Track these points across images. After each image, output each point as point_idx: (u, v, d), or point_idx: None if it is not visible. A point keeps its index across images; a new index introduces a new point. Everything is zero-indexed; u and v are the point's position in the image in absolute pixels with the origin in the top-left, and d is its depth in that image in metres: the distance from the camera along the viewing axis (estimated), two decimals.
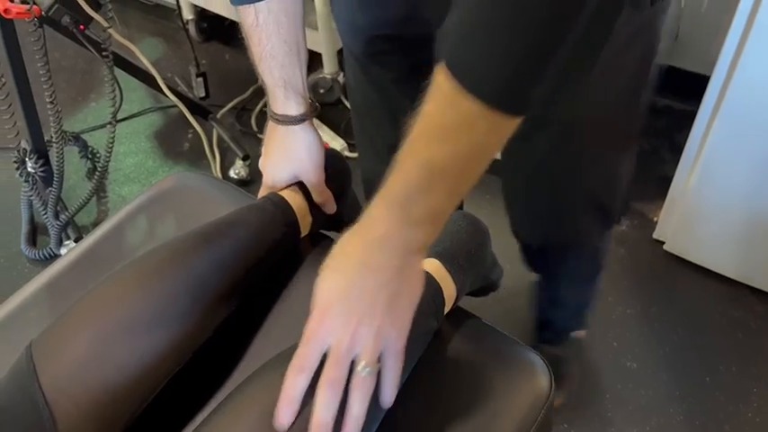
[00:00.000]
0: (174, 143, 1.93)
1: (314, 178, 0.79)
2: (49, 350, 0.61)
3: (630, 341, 1.40)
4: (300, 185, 0.80)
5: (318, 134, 0.79)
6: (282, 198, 0.77)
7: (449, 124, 0.51)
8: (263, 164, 0.81)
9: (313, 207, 0.80)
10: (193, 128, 1.87)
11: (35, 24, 1.40)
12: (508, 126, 0.51)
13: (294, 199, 0.78)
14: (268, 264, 0.76)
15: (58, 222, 1.61)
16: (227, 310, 0.72)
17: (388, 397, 0.57)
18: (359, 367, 0.54)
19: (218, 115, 1.91)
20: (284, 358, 0.63)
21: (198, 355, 0.69)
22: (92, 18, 1.42)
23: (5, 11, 1.32)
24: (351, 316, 0.54)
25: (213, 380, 0.70)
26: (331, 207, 0.83)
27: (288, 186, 0.80)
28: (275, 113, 0.77)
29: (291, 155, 0.78)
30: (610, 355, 1.27)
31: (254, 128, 1.92)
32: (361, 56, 0.90)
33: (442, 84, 0.50)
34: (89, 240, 0.86)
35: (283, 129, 0.77)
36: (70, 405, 0.59)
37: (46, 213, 1.62)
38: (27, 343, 0.63)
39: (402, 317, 0.57)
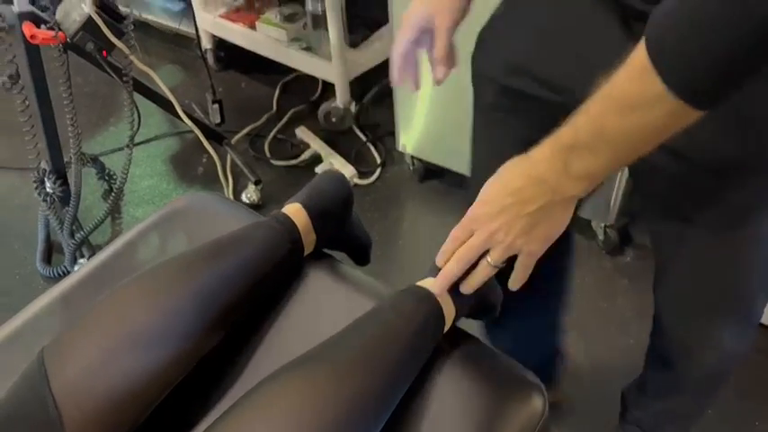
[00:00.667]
0: (188, 167, 1.97)
1: (444, 21, 0.77)
2: (60, 356, 0.64)
3: (634, 372, 1.40)
4: (305, 205, 0.82)
5: None
6: (288, 217, 0.80)
7: (629, 98, 0.53)
8: (409, 9, 0.80)
9: (316, 226, 0.82)
10: (208, 152, 1.92)
11: (60, 50, 1.46)
12: (688, 116, 0.52)
13: (299, 218, 0.81)
14: (273, 279, 0.78)
15: (73, 241, 1.65)
16: (233, 324, 0.74)
17: (513, 286, 0.70)
18: (488, 257, 0.67)
19: (233, 141, 1.96)
20: (286, 371, 0.65)
21: (202, 367, 0.72)
22: (114, 45, 1.48)
23: (32, 36, 1.38)
24: (492, 223, 0.65)
25: (215, 391, 0.72)
26: (451, 60, 0.80)
27: (293, 204, 0.82)
28: None
29: None
30: (614, 384, 1.27)
31: (267, 154, 1.97)
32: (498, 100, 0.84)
33: (637, 57, 0.51)
34: (102, 256, 0.89)
35: None
36: (78, 408, 0.61)
37: (62, 232, 1.67)
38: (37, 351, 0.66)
39: (535, 244, 0.65)
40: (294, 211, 0.81)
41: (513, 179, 0.64)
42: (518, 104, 0.80)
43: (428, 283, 0.74)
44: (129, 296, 0.69)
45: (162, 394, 0.68)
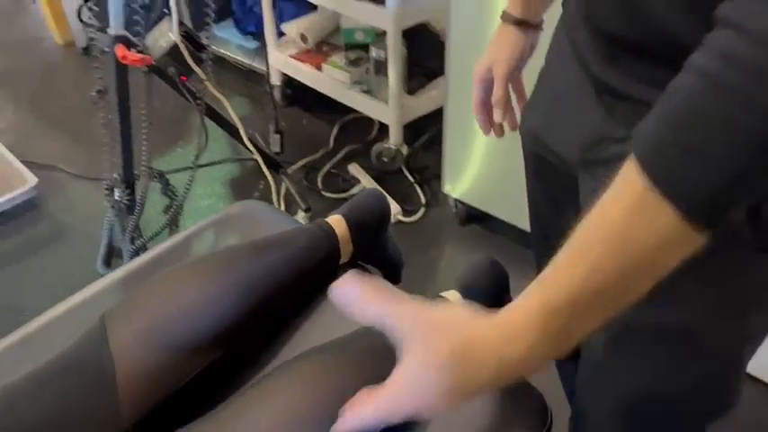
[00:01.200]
0: (245, 191, 2.10)
1: (501, 70, 0.84)
2: (118, 319, 0.74)
3: None
4: (345, 216, 0.91)
5: (526, 43, 0.84)
6: (329, 225, 0.89)
7: (630, 232, 0.43)
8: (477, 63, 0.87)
9: (354, 236, 0.91)
10: (265, 179, 2.04)
11: (144, 72, 1.62)
12: (697, 240, 0.42)
13: (339, 227, 0.89)
14: (310, 279, 0.87)
15: (133, 247, 1.78)
16: (273, 312, 0.83)
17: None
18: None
19: (289, 170, 2.08)
20: (306, 356, 0.73)
21: (235, 348, 0.80)
22: (192, 71, 1.63)
23: (123, 57, 1.54)
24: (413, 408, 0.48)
25: (245, 369, 0.80)
26: (521, 95, 0.87)
27: (336, 216, 0.91)
28: (505, 11, 0.85)
29: (496, 42, 0.85)
30: None
31: (320, 185, 2.08)
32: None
33: (630, 184, 0.42)
34: (162, 247, 1.00)
35: (502, 24, 0.85)
36: (129, 365, 0.70)
37: (124, 238, 1.80)
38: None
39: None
40: (335, 220, 0.90)
41: (473, 369, 0.46)
42: (544, 171, 0.82)
43: (451, 295, 0.81)
44: (181, 275, 0.79)
45: (199, 366, 0.76)
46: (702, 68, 0.40)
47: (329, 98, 2.21)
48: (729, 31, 0.39)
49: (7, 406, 0.67)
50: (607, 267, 0.44)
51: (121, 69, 1.64)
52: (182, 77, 1.64)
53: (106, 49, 1.62)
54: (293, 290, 0.85)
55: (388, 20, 1.84)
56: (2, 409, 0.67)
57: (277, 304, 0.84)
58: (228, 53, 2.57)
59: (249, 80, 2.56)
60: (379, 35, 2.08)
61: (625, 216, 0.43)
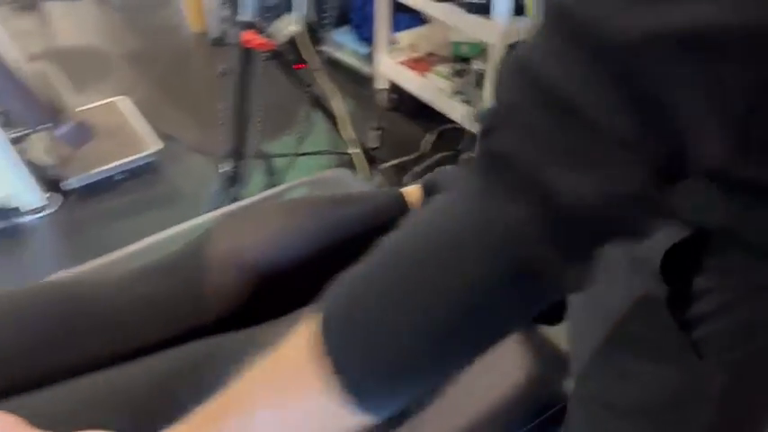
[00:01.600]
0: None
1: None
2: (215, 237, 0.86)
3: None
4: (423, 186, 1.00)
5: None
6: (401, 193, 0.98)
7: (285, 384, 0.39)
8: None
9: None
10: (358, 173, 2.17)
11: (265, 58, 1.79)
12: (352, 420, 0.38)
13: (414, 195, 0.98)
14: (376, 239, 0.96)
15: None
16: (344, 256, 0.92)
17: None
18: None
19: (381, 167, 2.20)
20: None
21: (303, 284, 0.90)
22: (306, 62, 1.79)
23: (249, 41, 1.72)
24: None
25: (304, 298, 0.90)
26: None
27: (415, 185, 1.01)
28: None
29: None
30: None
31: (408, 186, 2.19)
32: None
33: (302, 330, 0.40)
34: (259, 195, 1.13)
35: None
36: (218, 272, 0.82)
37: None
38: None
39: None
40: (413, 188, 1.00)
41: None
42: None
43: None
44: (270, 210, 0.91)
45: (275, 289, 0.87)
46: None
47: (430, 109, 2.32)
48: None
49: (99, 291, 0.80)
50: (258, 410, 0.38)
51: (246, 53, 1.82)
52: (296, 66, 1.80)
53: (234, 39, 1.81)
54: (358, 244, 0.94)
55: (494, 33, 1.93)
56: (91, 296, 0.79)
57: (342, 255, 0.93)
58: (343, 56, 2.74)
59: (357, 83, 2.72)
60: (484, 50, 2.18)
61: (290, 366, 0.38)
